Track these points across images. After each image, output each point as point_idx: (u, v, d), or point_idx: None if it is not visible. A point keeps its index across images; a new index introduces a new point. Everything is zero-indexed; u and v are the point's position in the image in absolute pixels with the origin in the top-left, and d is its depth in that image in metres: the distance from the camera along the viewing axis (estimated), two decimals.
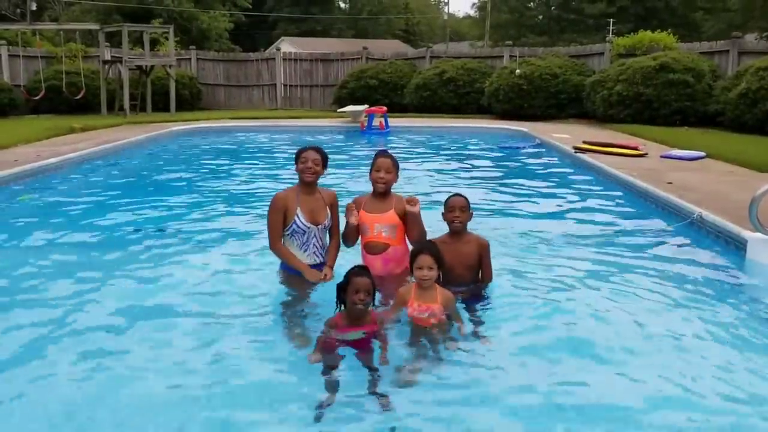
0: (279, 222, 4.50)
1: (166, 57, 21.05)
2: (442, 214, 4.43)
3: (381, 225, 4.46)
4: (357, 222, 4.48)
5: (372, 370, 3.42)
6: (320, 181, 4.66)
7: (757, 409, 3.15)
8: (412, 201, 4.37)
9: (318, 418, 3.02)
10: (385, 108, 16.95)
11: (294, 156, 4.61)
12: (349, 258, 4.65)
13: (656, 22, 33.30)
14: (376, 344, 3.62)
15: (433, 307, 3.82)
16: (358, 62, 23.20)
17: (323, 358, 3.49)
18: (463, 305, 4.20)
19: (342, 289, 3.63)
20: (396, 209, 4.48)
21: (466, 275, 4.36)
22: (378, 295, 3.84)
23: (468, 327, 3.95)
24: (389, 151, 4.66)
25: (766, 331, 4.07)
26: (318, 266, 4.59)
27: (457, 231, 4.37)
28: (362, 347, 3.59)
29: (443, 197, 4.59)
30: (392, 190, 4.60)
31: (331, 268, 4.56)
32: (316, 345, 3.62)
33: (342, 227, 4.64)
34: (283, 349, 3.77)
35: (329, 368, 3.42)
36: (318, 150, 4.60)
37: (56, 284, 4.86)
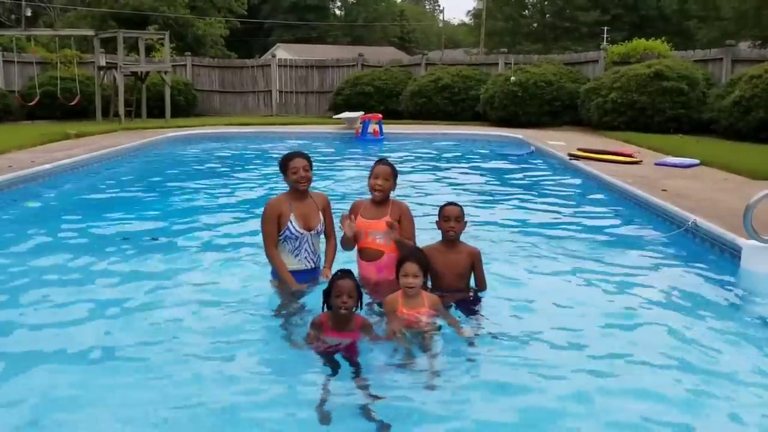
0: (273, 229, 4.48)
1: (162, 63, 21.02)
2: (437, 222, 4.42)
3: (375, 231, 4.44)
4: (353, 233, 4.45)
5: (359, 375, 3.43)
6: (314, 184, 4.64)
7: (753, 415, 3.15)
8: (390, 224, 4.31)
9: (321, 420, 3.03)
10: (380, 115, 16.99)
11: (279, 166, 4.58)
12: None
13: (650, 30, 33.46)
14: (363, 348, 3.63)
15: (421, 311, 3.85)
16: (353, 69, 23.22)
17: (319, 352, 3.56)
18: (459, 316, 4.18)
19: (327, 293, 3.65)
20: (392, 216, 4.47)
21: (458, 283, 4.35)
22: (366, 298, 3.84)
23: (466, 329, 3.95)
24: (389, 160, 4.65)
25: (761, 338, 4.08)
26: (310, 271, 4.58)
27: (451, 240, 4.37)
28: (348, 353, 3.60)
29: (436, 203, 4.58)
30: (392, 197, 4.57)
31: (329, 268, 4.54)
32: (306, 339, 3.68)
33: (339, 231, 4.61)
34: (280, 353, 3.77)
35: (328, 371, 3.45)
36: (303, 155, 4.58)
37: (49, 289, 4.82)
